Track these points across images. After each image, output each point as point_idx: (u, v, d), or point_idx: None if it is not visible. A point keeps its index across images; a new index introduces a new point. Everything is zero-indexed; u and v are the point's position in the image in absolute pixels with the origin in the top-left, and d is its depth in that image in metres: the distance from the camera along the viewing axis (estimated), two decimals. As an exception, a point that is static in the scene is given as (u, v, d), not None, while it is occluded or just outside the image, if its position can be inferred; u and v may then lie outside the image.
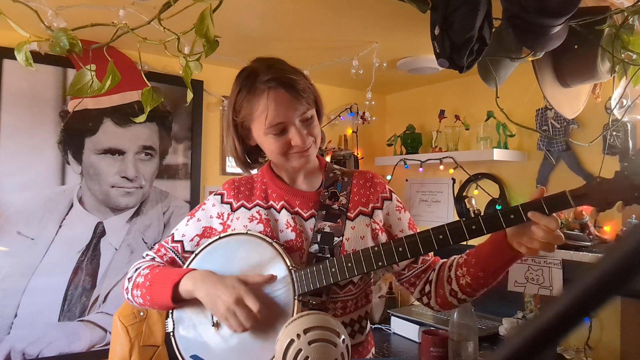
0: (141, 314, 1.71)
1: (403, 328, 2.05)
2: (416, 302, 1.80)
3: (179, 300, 1.09)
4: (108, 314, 2.16)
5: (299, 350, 0.92)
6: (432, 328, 1.87)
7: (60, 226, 2.11)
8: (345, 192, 1.19)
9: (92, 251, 2.17)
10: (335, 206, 1.17)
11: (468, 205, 1.05)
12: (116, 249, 2.22)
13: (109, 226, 2.21)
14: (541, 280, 1.69)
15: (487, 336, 1.89)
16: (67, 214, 2.12)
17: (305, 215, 1.17)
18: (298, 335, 0.93)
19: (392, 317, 2.12)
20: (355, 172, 1.25)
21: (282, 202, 1.18)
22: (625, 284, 0.27)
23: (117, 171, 2.23)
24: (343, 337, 0.96)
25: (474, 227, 0.99)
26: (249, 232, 1.12)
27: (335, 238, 1.13)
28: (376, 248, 1.04)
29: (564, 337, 0.30)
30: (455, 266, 1.14)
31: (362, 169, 2.99)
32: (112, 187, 2.23)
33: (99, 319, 2.17)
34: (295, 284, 1.06)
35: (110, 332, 2.08)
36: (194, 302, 1.10)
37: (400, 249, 1.03)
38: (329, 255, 1.11)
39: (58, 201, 2.11)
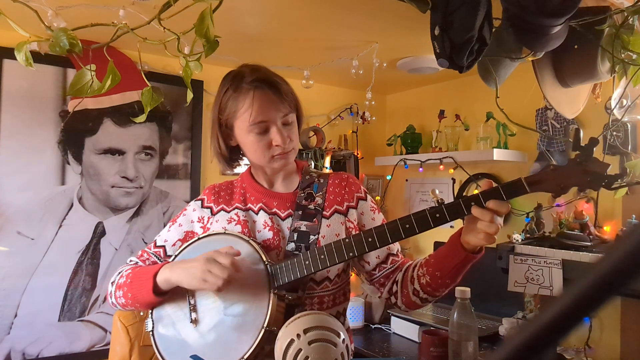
0: (141, 313, 1.71)
1: (403, 328, 2.04)
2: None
3: (160, 293, 1.12)
4: (108, 314, 2.16)
5: (299, 350, 0.92)
6: (432, 328, 1.87)
7: (60, 226, 2.11)
8: (321, 193, 1.24)
9: (92, 251, 2.17)
10: (312, 206, 1.21)
11: (432, 196, 1.08)
12: (116, 249, 2.22)
13: (109, 226, 2.21)
14: (541, 280, 1.69)
15: (487, 336, 1.89)
16: (67, 214, 2.12)
17: (282, 215, 1.21)
18: (298, 335, 0.94)
19: (392, 317, 2.12)
20: (331, 174, 1.30)
21: (260, 204, 1.22)
22: (625, 284, 0.27)
23: (117, 171, 2.23)
24: (343, 337, 0.96)
25: (437, 215, 1.02)
26: (226, 232, 1.16)
27: (311, 236, 1.16)
28: (347, 239, 1.07)
29: (564, 337, 0.30)
30: (417, 266, 1.18)
31: (362, 169, 3.00)
32: (112, 187, 2.23)
33: (99, 319, 2.17)
34: (271, 278, 1.09)
35: (110, 332, 2.09)
36: (173, 300, 1.15)
37: (370, 239, 1.06)
38: None
39: (58, 201, 2.11)
